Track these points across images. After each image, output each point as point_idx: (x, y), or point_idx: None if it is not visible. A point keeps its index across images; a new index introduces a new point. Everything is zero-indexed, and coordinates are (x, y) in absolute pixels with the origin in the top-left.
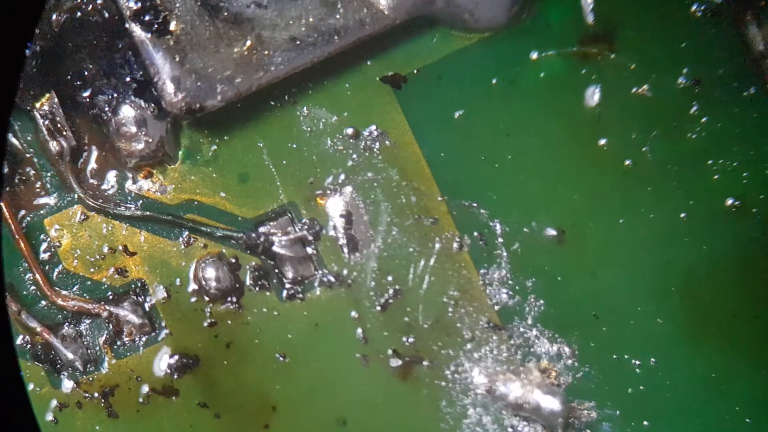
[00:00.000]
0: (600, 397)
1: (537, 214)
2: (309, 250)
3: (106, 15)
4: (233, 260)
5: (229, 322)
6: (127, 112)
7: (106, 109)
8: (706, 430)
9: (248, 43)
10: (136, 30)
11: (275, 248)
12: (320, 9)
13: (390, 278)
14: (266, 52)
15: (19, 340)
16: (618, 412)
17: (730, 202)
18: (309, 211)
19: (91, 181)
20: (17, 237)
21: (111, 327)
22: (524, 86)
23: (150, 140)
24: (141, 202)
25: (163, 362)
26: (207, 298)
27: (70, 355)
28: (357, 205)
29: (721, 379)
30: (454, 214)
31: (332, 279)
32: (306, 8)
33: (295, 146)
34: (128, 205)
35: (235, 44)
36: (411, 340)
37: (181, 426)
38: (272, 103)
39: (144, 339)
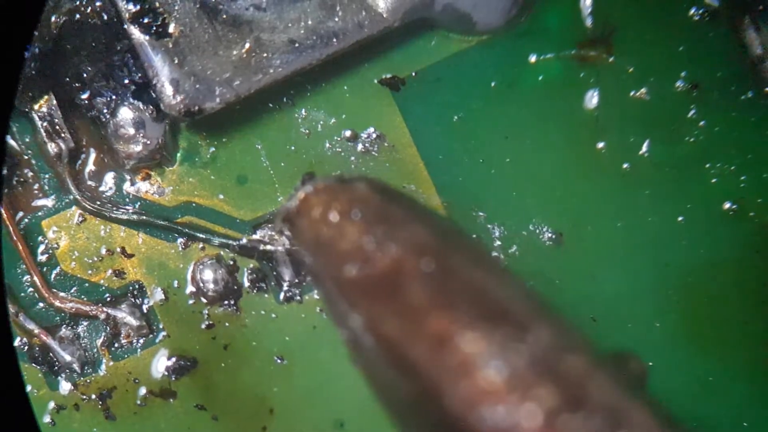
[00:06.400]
0: None
1: (535, 217)
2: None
3: (105, 17)
4: (231, 262)
5: (227, 324)
6: (125, 114)
7: (105, 111)
8: None
9: (247, 45)
10: (135, 32)
11: (272, 251)
12: (319, 12)
13: None
14: (265, 55)
15: (16, 342)
16: None
17: (727, 205)
18: None
19: (89, 182)
20: (15, 239)
21: (109, 329)
22: (522, 89)
23: (148, 142)
24: (139, 204)
25: (160, 364)
26: (205, 300)
27: (68, 357)
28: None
29: (719, 383)
30: (453, 217)
31: None
32: (305, 11)
33: (293, 148)
34: (126, 208)
35: (234, 47)
36: None
37: (179, 428)
38: (271, 105)
39: (141, 341)
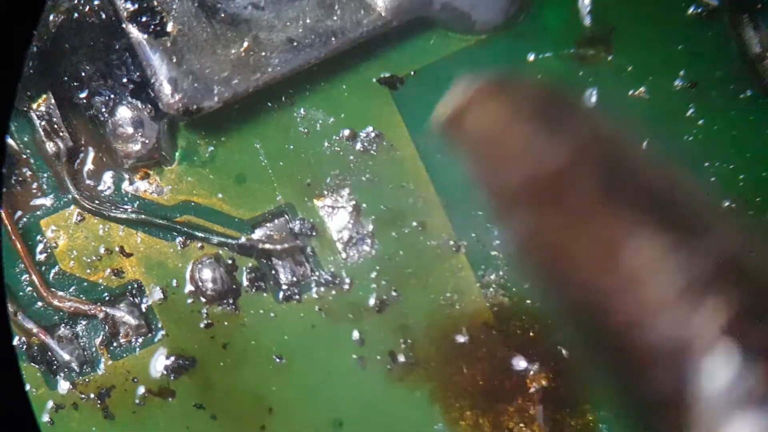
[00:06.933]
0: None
1: None
2: (305, 251)
3: (103, 16)
4: (230, 261)
5: (226, 323)
6: (123, 113)
7: (103, 110)
8: None
9: (245, 44)
10: (133, 31)
11: (271, 250)
12: (317, 11)
13: (387, 280)
14: (263, 54)
15: (15, 341)
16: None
17: (726, 204)
18: (306, 212)
19: (88, 182)
20: (14, 238)
21: (107, 328)
22: None
23: (146, 141)
24: (137, 203)
25: (159, 363)
26: (203, 300)
27: (67, 356)
28: (354, 206)
29: None
30: (451, 216)
31: (329, 280)
32: (303, 10)
33: (292, 147)
34: (125, 207)
35: (232, 45)
36: (408, 341)
37: (177, 427)
38: (269, 104)
39: (140, 340)
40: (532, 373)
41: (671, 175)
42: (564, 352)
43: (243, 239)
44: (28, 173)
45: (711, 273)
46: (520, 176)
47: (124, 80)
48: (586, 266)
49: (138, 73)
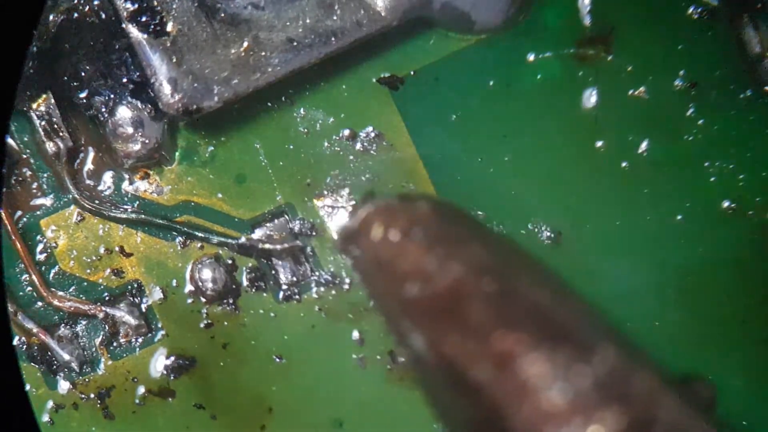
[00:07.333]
0: None
1: (533, 216)
2: (305, 251)
3: (103, 16)
4: (230, 261)
5: (226, 323)
6: (123, 113)
7: (103, 110)
8: None
9: (245, 44)
10: (133, 31)
11: (271, 250)
12: (317, 10)
13: None
14: (263, 54)
15: (15, 341)
16: None
17: (726, 204)
18: (306, 212)
19: (88, 182)
20: (14, 238)
21: (107, 328)
22: (521, 88)
23: (146, 141)
24: (137, 203)
25: (159, 363)
26: (203, 300)
27: (67, 356)
28: (354, 206)
29: (718, 382)
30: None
31: (329, 280)
32: (303, 10)
33: (291, 147)
34: (125, 207)
35: (232, 45)
36: None
37: (177, 427)
38: (269, 104)
39: (140, 340)
40: None
41: (559, 298)
42: None
43: (243, 239)
44: (28, 173)
45: (598, 389)
46: (412, 293)
47: (124, 80)
48: (481, 377)
49: (138, 73)
